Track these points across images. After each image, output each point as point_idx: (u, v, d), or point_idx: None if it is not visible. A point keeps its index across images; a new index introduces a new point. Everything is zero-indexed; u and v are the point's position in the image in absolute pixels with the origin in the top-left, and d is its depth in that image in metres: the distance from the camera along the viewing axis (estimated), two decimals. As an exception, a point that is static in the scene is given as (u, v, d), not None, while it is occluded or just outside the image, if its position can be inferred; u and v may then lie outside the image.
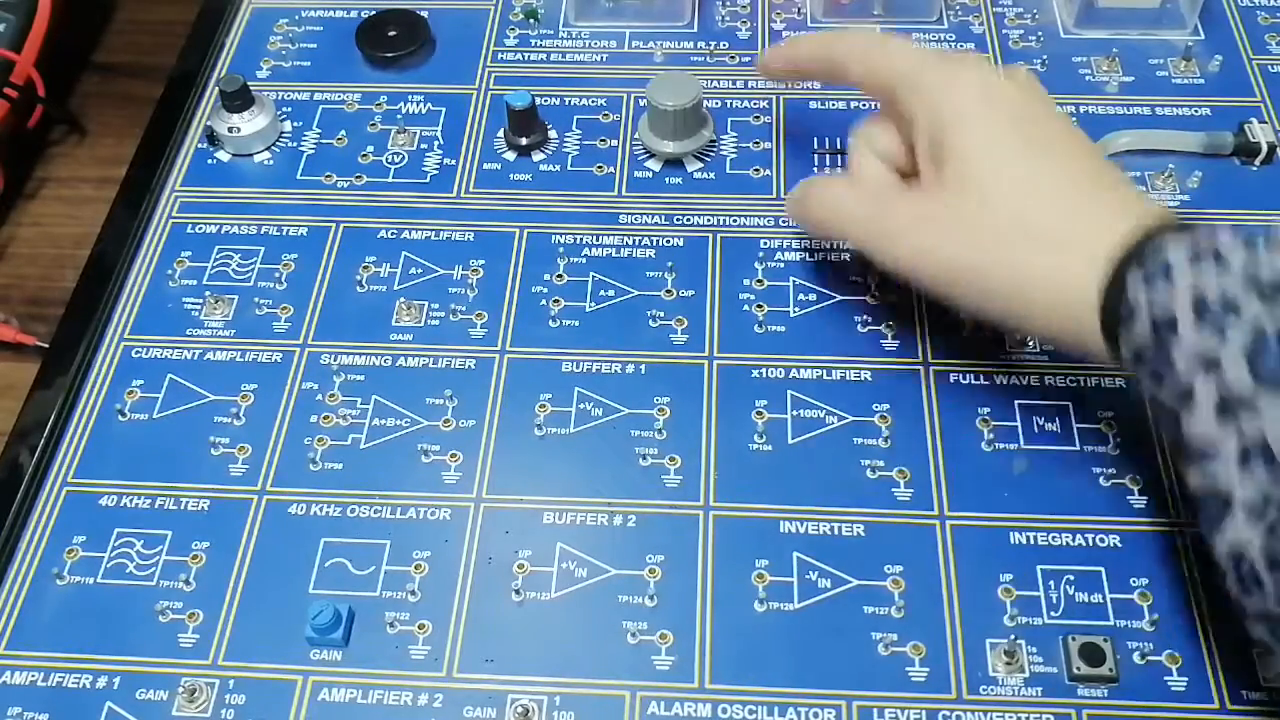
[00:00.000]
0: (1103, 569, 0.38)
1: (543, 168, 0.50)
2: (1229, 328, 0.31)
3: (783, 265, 0.47)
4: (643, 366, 0.44)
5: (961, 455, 0.41)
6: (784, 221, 0.48)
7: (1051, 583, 0.38)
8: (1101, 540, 0.39)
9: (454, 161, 0.51)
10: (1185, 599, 0.38)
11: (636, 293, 0.46)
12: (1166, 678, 0.36)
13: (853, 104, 0.52)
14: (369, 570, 0.39)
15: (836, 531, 0.40)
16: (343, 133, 0.52)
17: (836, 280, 0.46)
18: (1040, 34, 0.54)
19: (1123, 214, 0.36)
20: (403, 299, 0.46)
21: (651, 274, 0.46)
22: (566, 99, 0.53)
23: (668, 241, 0.47)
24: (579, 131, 0.52)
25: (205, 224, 0.49)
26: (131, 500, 0.41)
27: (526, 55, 0.55)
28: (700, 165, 0.50)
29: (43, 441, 0.42)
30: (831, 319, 0.45)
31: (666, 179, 0.50)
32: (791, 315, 0.45)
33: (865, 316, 0.45)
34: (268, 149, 0.52)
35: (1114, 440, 0.41)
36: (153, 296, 0.47)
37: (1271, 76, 0.52)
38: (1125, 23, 0.54)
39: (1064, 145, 0.39)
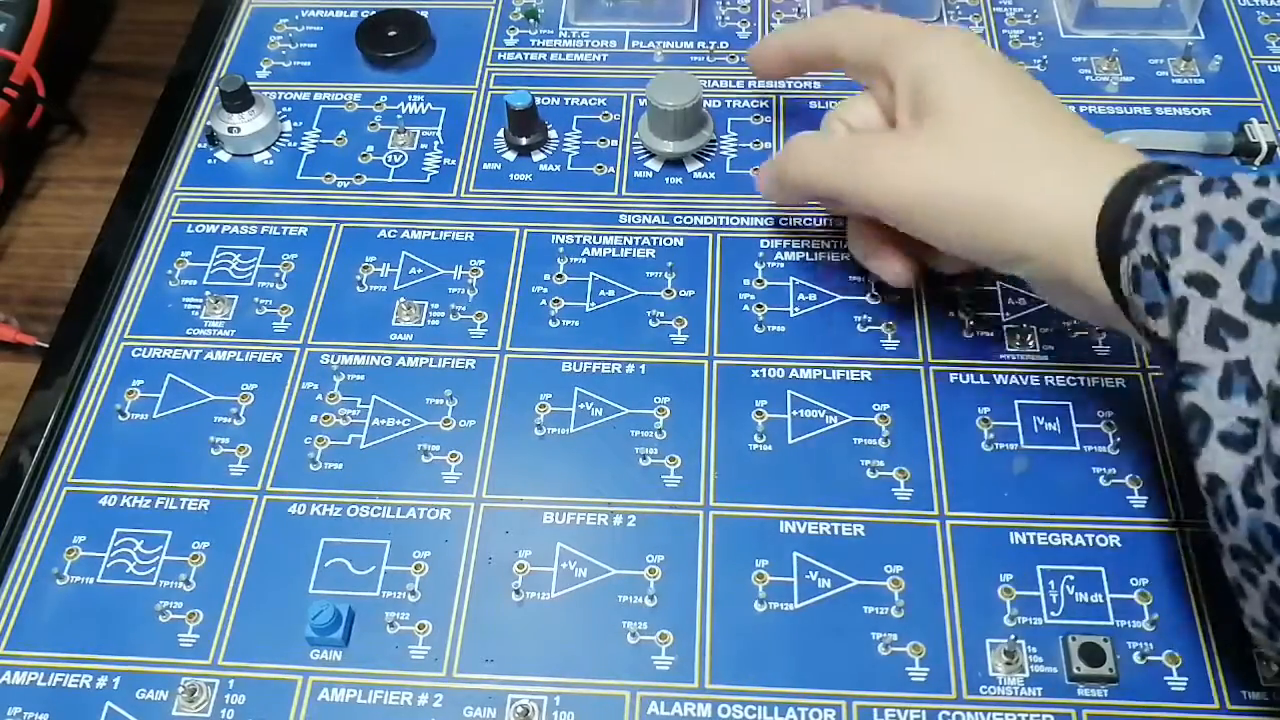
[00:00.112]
0: (1103, 569, 0.38)
1: (543, 168, 0.50)
2: (1230, 251, 0.31)
3: (783, 265, 0.47)
4: (643, 366, 0.44)
5: (961, 455, 0.41)
6: (784, 221, 0.48)
7: (1051, 583, 0.38)
8: (1101, 540, 0.39)
9: (454, 161, 0.51)
10: (1185, 599, 0.38)
11: (636, 293, 0.46)
12: (1166, 678, 0.36)
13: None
14: (369, 570, 0.39)
15: (836, 531, 0.40)
16: (343, 133, 0.52)
17: (836, 280, 0.46)
18: (1040, 34, 0.54)
19: (1119, 150, 0.36)
20: (403, 299, 0.46)
21: (651, 274, 0.46)
22: (566, 99, 0.53)
23: (668, 241, 0.47)
24: (579, 131, 0.52)
25: (205, 224, 0.49)
26: (131, 500, 0.41)
27: (526, 55, 0.55)
28: (700, 165, 0.50)
29: (43, 441, 0.42)
30: (831, 319, 0.45)
31: (666, 179, 0.50)
32: (791, 315, 0.45)
33: (865, 316, 0.45)
34: (268, 149, 0.52)
35: (1114, 440, 0.41)
36: (153, 296, 0.47)
37: (1271, 76, 0.52)
38: (1125, 23, 0.54)
39: (1050, 101, 0.39)
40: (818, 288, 0.46)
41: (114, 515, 0.41)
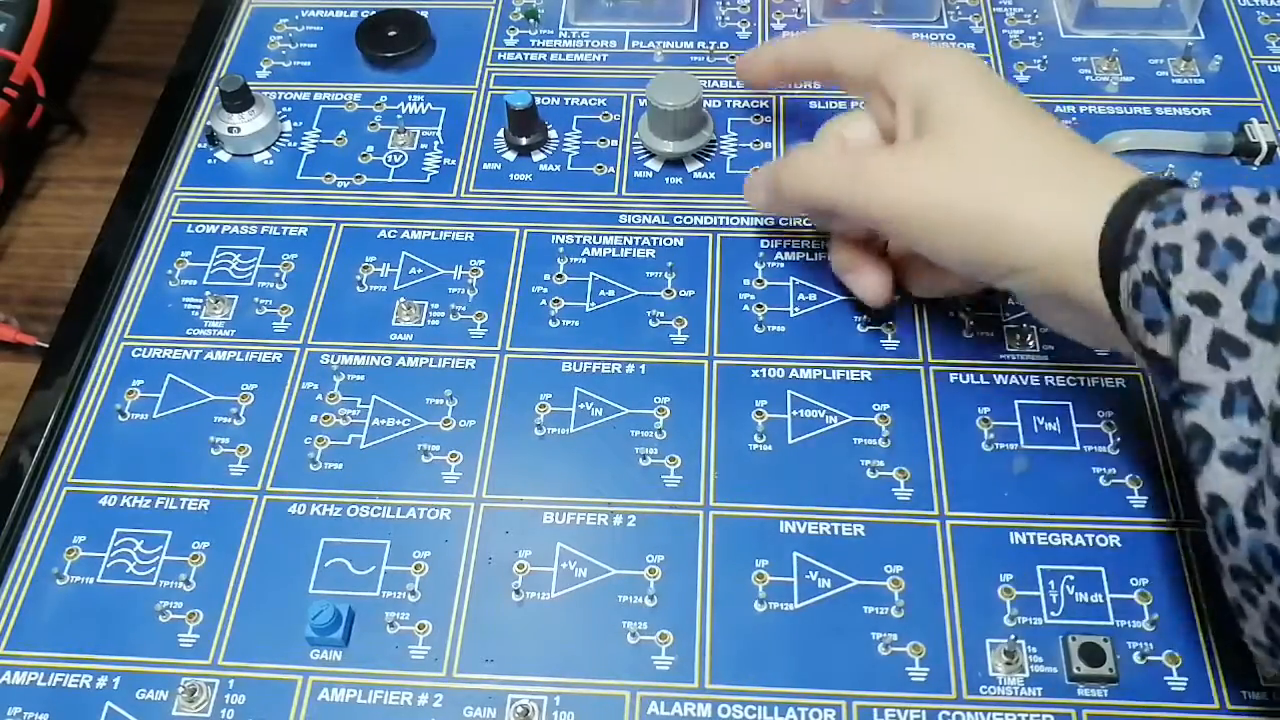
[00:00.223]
0: (1103, 569, 0.38)
1: (543, 168, 0.50)
2: (1231, 270, 0.31)
3: (783, 265, 0.47)
4: (643, 366, 0.44)
5: (961, 455, 0.41)
6: (784, 221, 0.48)
7: (1051, 583, 0.38)
8: (1101, 540, 0.39)
9: (454, 161, 0.51)
10: (1185, 599, 0.38)
11: (636, 293, 0.46)
12: (1166, 678, 0.36)
13: (853, 104, 0.52)
14: (369, 570, 0.39)
15: (836, 531, 0.40)
16: (343, 133, 0.52)
17: (836, 280, 0.46)
18: (1040, 34, 0.54)
19: (1119, 166, 0.36)
20: (403, 299, 0.46)
21: (651, 274, 0.46)
22: (566, 99, 0.53)
23: (668, 241, 0.47)
24: (579, 131, 0.52)
25: (205, 224, 0.49)
26: (131, 500, 0.41)
27: (526, 55, 0.55)
28: (700, 165, 0.50)
29: (43, 441, 0.42)
30: (831, 319, 0.45)
31: (666, 179, 0.50)
32: (791, 315, 0.45)
33: (865, 316, 0.45)
34: (268, 149, 0.52)
35: (1114, 440, 0.41)
36: (153, 296, 0.47)
37: (1271, 76, 0.52)
38: (1125, 23, 0.54)
39: (1048, 118, 0.39)
40: (818, 288, 0.46)
41: (114, 515, 0.41)
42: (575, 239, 0.48)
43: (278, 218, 0.49)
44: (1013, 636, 0.37)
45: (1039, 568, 0.39)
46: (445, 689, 0.37)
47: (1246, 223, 0.31)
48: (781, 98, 0.52)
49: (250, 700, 0.37)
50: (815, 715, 0.36)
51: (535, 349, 0.44)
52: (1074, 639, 0.37)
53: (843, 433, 0.42)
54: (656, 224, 0.48)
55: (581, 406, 0.43)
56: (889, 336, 0.44)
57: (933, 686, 0.36)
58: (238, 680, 0.37)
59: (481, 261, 0.47)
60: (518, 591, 0.39)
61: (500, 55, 0.55)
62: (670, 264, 0.47)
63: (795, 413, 0.42)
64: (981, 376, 0.43)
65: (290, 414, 0.43)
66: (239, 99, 0.50)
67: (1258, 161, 0.49)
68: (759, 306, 0.45)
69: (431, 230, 0.48)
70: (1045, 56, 0.53)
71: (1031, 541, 0.39)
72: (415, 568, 0.39)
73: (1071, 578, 0.38)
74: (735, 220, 0.48)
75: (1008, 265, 0.37)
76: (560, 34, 0.56)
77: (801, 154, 0.43)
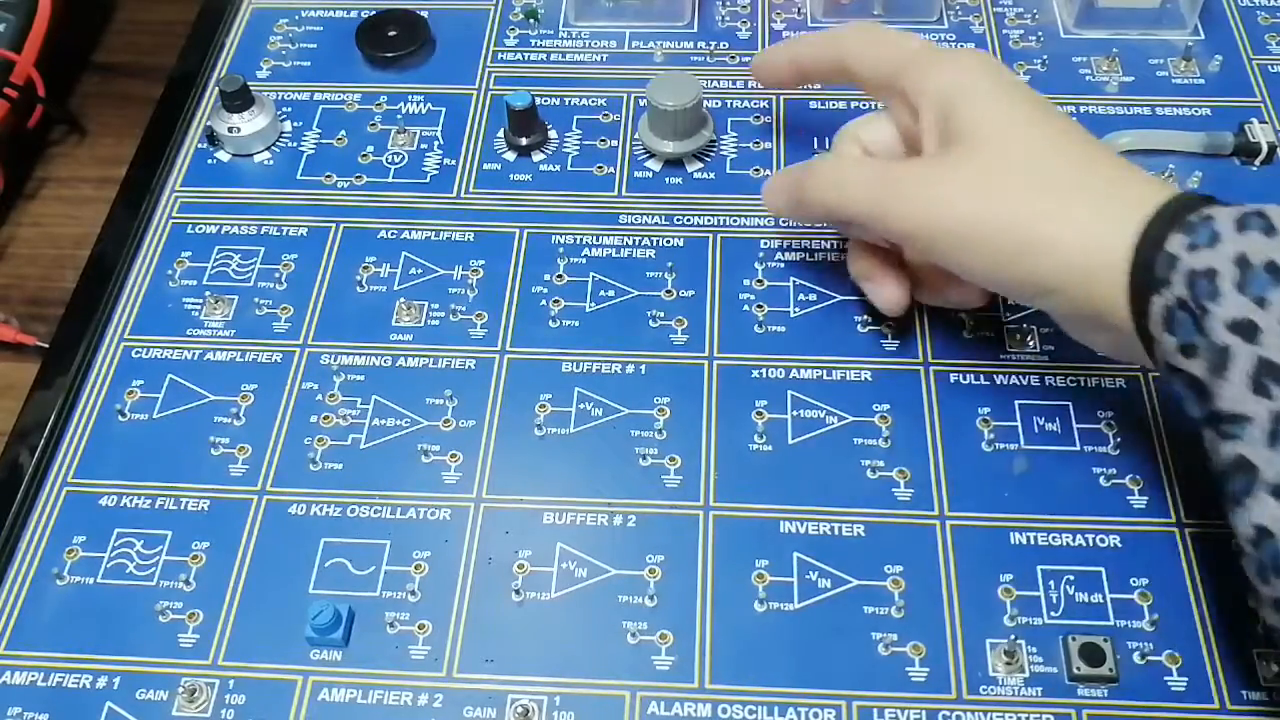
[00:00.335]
0: (1103, 569, 0.38)
1: (543, 168, 0.50)
2: (1271, 296, 0.30)
3: (783, 265, 0.47)
4: (643, 366, 0.44)
5: (961, 455, 0.41)
6: (784, 221, 0.48)
7: (1051, 583, 0.38)
8: (1101, 540, 0.39)
9: (454, 161, 0.51)
10: (1185, 599, 0.38)
11: (636, 293, 0.46)
12: (1166, 678, 0.36)
13: (853, 104, 0.52)
14: (369, 570, 0.39)
15: (836, 531, 0.40)
16: (343, 133, 0.52)
17: (836, 280, 0.46)
18: (1040, 34, 0.54)
19: (1153, 183, 0.35)
20: (403, 299, 0.46)
21: (651, 274, 0.46)
22: (566, 99, 0.53)
23: (668, 241, 0.47)
24: (579, 131, 0.52)
25: (205, 224, 0.49)
26: (131, 500, 0.41)
27: (526, 55, 0.55)
28: (700, 165, 0.50)
29: (43, 441, 0.42)
30: (831, 319, 0.45)
31: (666, 179, 0.50)
32: (791, 315, 0.45)
33: (865, 316, 0.45)
34: (268, 149, 0.52)
35: (1114, 440, 0.41)
36: (153, 296, 0.47)
37: (1271, 76, 0.52)
38: (1125, 23, 0.54)
39: (1077, 128, 0.38)
40: (818, 288, 0.46)
41: (114, 515, 0.41)
42: (575, 239, 0.48)
43: (278, 218, 0.49)
44: (1013, 636, 0.37)
45: (1039, 568, 0.39)
46: (445, 689, 0.37)
47: None
48: (782, 98, 0.52)
49: (250, 700, 0.37)
50: (815, 715, 0.36)
51: (535, 349, 0.44)
52: (1074, 639, 0.37)
53: (843, 433, 0.42)
54: (656, 224, 0.48)
55: (581, 406, 0.43)
56: (889, 336, 0.44)
57: (933, 686, 0.36)
58: (238, 680, 0.37)
59: (481, 262, 0.47)
60: (518, 591, 0.39)
61: (500, 55, 0.55)
62: (670, 264, 0.47)
63: (795, 413, 0.42)
64: (981, 376, 0.43)
65: (290, 414, 0.43)
66: (239, 99, 0.50)
67: (1258, 161, 0.49)
68: (759, 306, 0.45)
69: (431, 230, 0.48)
70: (1045, 56, 0.53)
71: (1031, 541, 0.39)
72: (415, 568, 0.39)
73: (1071, 578, 0.38)
74: (735, 220, 0.48)
75: (1037, 286, 0.36)
76: (560, 34, 0.56)
77: (826, 163, 0.42)
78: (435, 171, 0.50)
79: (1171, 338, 0.32)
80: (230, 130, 0.51)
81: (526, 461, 0.42)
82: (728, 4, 0.57)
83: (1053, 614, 0.38)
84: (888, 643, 0.37)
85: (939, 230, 0.37)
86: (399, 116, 0.53)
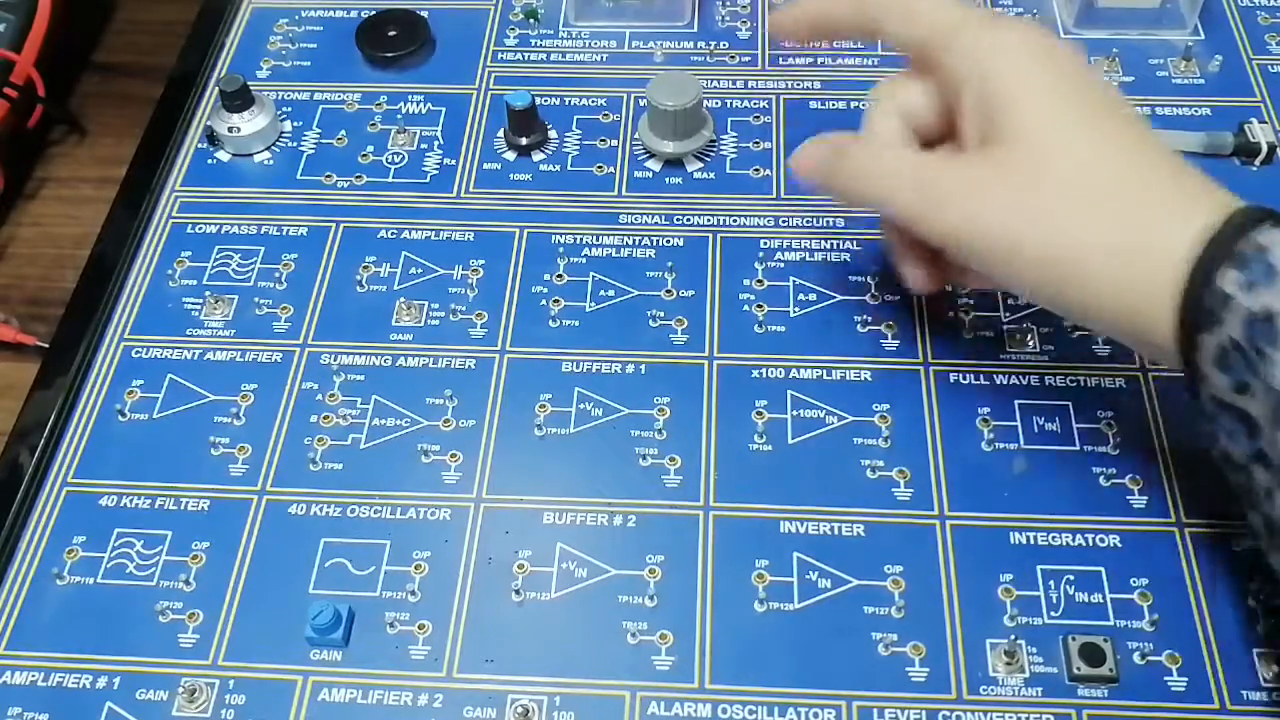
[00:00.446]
0: (1103, 569, 0.38)
1: (543, 168, 0.50)
2: None
3: (783, 265, 0.47)
4: (643, 366, 0.44)
5: (961, 455, 0.41)
6: (784, 221, 0.48)
7: (1051, 583, 0.38)
8: (1101, 540, 0.39)
9: (454, 161, 0.51)
10: (1185, 599, 0.38)
11: (636, 293, 0.46)
12: (1166, 678, 0.36)
13: (853, 104, 0.52)
14: (369, 570, 0.39)
15: (836, 531, 0.40)
16: (343, 133, 0.52)
17: (836, 280, 0.46)
18: (1040, 34, 0.54)
19: (1203, 194, 0.33)
20: (403, 299, 0.46)
21: (651, 274, 0.46)
22: (566, 99, 0.53)
23: (668, 241, 0.47)
24: (579, 131, 0.52)
25: (205, 224, 0.49)
26: (131, 500, 0.41)
27: (526, 55, 0.55)
28: (700, 165, 0.50)
29: (43, 441, 0.42)
30: (831, 319, 0.45)
31: (666, 179, 0.50)
32: (791, 315, 0.45)
33: (865, 316, 0.45)
34: (268, 149, 0.52)
35: (1114, 440, 0.41)
36: (153, 296, 0.47)
37: (1271, 76, 0.52)
38: (1125, 23, 0.54)
39: (1128, 122, 0.36)
40: (818, 288, 0.46)
41: (114, 515, 0.41)
42: (575, 239, 0.48)
43: (278, 218, 0.49)
44: (1013, 636, 0.37)
45: (1039, 568, 0.39)
46: (445, 689, 0.37)
47: None
48: (781, 97, 0.52)
49: (250, 700, 0.37)
50: (815, 715, 0.36)
51: (535, 349, 0.44)
52: (1074, 639, 0.37)
53: (843, 433, 0.42)
54: (656, 224, 0.48)
55: (581, 406, 0.43)
56: (889, 336, 0.44)
57: (933, 686, 0.36)
58: (238, 680, 0.37)
59: (481, 261, 0.47)
60: (518, 591, 0.39)
61: (500, 55, 0.55)
62: (670, 264, 0.47)
63: (795, 413, 0.42)
64: (981, 376, 0.43)
65: (290, 414, 0.43)
66: (239, 99, 0.50)
67: (1258, 161, 0.49)
68: (759, 306, 0.45)
69: (431, 230, 0.48)
70: (1045, 56, 0.53)
71: (1031, 541, 0.39)
72: (415, 568, 0.39)
73: (1071, 578, 0.38)
74: (735, 220, 0.48)
75: (1079, 312, 0.35)
76: (560, 34, 0.56)
77: (860, 151, 0.39)
78: (435, 171, 0.50)
79: (1225, 376, 0.31)
80: (230, 130, 0.51)
81: (526, 461, 0.42)
82: (728, 4, 0.57)
83: (1053, 614, 0.38)
84: (888, 643, 0.37)
85: (977, 246, 0.36)
86: (399, 116, 0.53)
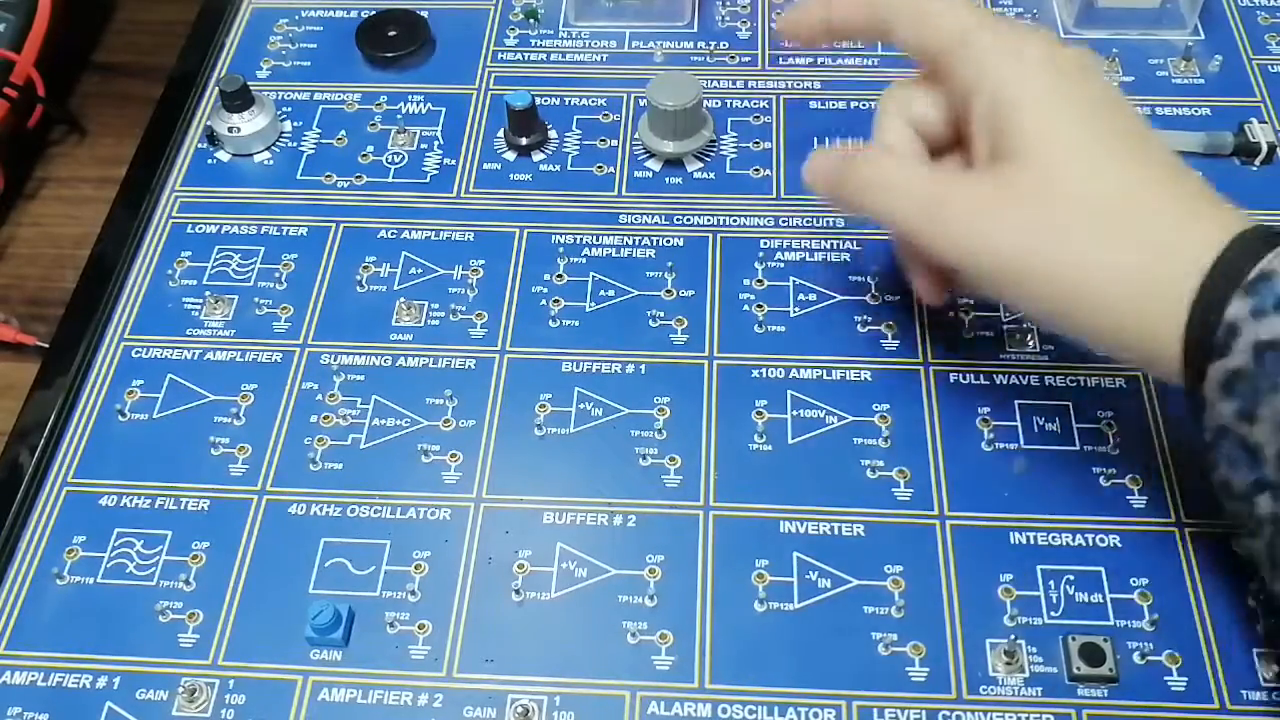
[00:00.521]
0: (1103, 569, 0.38)
1: (543, 168, 0.50)
2: None
3: (783, 265, 0.47)
4: (643, 366, 0.44)
5: (961, 455, 0.41)
6: (784, 221, 0.48)
7: (1051, 583, 0.38)
8: (1101, 540, 0.39)
9: (454, 161, 0.51)
10: (1185, 599, 0.38)
11: (636, 293, 0.46)
12: (1166, 678, 0.36)
13: (853, 104, 0.52)
14: (369, 570, 0.39)
15: (836, 531, 0.40)
16: (343, 133, 0.52)
17: (836, 280, 0.46)
18: (1040, 34, 0.54)
19: (1212, 217, 0.33)
20: (403, 299, 0.46)
21: (651, 274, 0.46)
22: (566, 99, 0.53)
23: (668, 241, 0.47)
24: (579, 131, 0.52)
25: (205, 224, 0.49)
26: (131, 500, 0.41)
27: (526, 55, 0.55)
28: (700, 165, 0.50)
29: (43, 441, 0.42)
30: (831, 319, 0.45)
31: (666, 179, 0.50)
32: (791, 315, 0.45)
33: (865, 316, 0.45)
34: (268, 149, 0.52)
35: (1114, 440, 0.41)
36: (153, 296, 0.47)
37: (1271, 76, 0.52)
38: (1125, 23, 0.54)
39: (1137, 135, 0.35)
40: (818, 288, 0.46)
41: (114, 515, 0.41)
42: (575, 239, 0.48)
43: (278, 218, 0.49)
44: (1013, 636, 0.37)
45: (1039, 568, 0.39)
46: (445, 689, 0.37)
47: None
48: (781, 97, 0.52)
49: (250, 700, 0.37)
50: (815, 715, 0.36)
51: (535, 349, 0.44)
52: (1074, 639, 0.37)
53: (843, 433, 0.42)
54: (656, 224, 0.48)
55: (581, 406, 0.43)
56: (889, 336, 0.44)
57: (933, 686, 0.36)
58: (238, 680, 0.37)
59: (481, 261, 0.47)
60: (518, 591, 0.39)
61: (500, 55, 0.55)
62: (670, 264, 0.47)
63: (795, 413, 0.42)
64: (981, 376, 0.43)
65: (290, 414, 0.43)
66: (239, 99, 0.50)
67: (1258, 161, 0.49)
68: (759, 306, 0.45)
69: (431, 230, 0.48)
70: (1045, 56, 0.53)
71: (1031, 541, 0.39)
72: (415, 568, 0.39)
73: (1071, 578, 0.38)
74: (735, 220, 0.48)
75: (1088, 335, 0.35)
76: (560, 34, 0.56)
77: (870, 166, 0.38)
78: (435, 171, 0.50)
79: (1230, 402, 0.31)
80: (230, 130, 0.51)
81: (526, 461, 0.42)
82: (728, 4, 0.57)
83: (1053, 614, 0.38)
84: (888, 643, 0.37)
85: (985, 266, 0.35)
86: (399, 116, 0.53)
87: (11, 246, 0.53)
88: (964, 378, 0.43)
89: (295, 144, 0.52)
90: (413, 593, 0.39)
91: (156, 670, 0.37)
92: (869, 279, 0.46)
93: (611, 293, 0.46)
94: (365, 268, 0.47)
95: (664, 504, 0.40)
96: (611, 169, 0.50)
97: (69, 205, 0.55)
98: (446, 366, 0.44)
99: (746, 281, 0.46)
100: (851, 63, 0.54)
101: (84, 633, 0.38)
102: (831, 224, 0.48)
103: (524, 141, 0.50)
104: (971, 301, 0.45)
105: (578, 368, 0.44)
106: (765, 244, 0.47)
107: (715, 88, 0.53)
